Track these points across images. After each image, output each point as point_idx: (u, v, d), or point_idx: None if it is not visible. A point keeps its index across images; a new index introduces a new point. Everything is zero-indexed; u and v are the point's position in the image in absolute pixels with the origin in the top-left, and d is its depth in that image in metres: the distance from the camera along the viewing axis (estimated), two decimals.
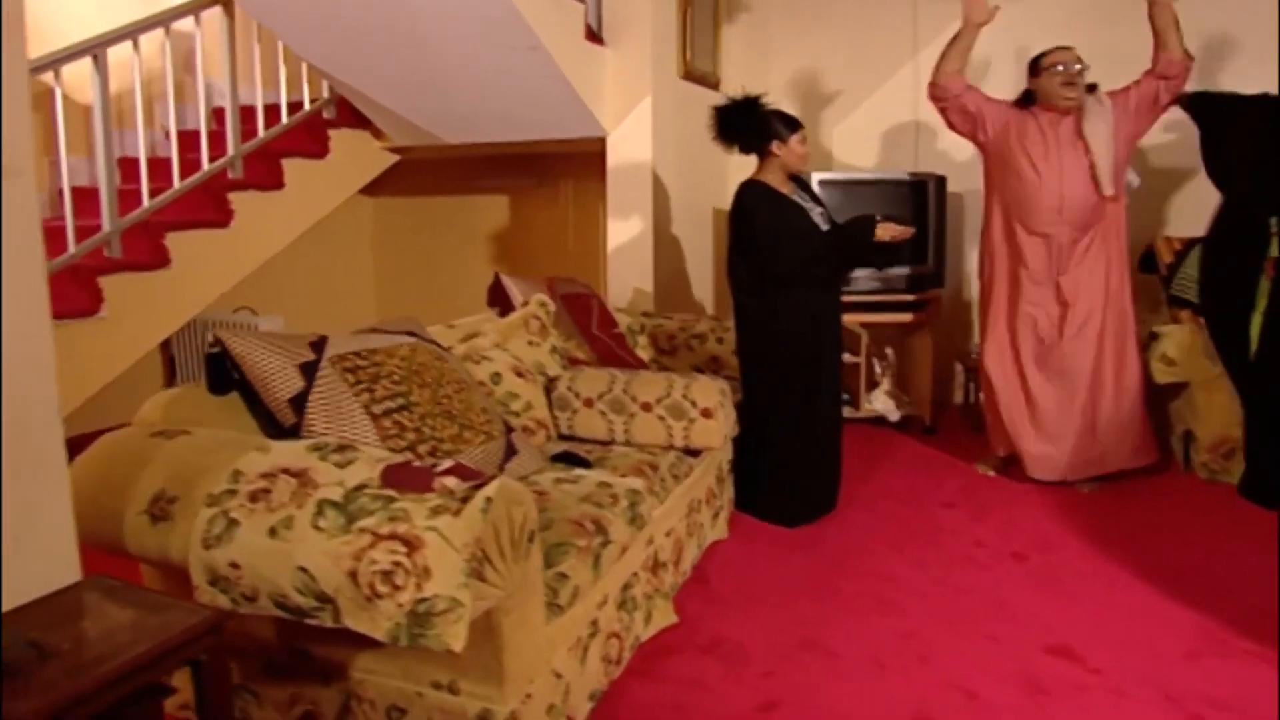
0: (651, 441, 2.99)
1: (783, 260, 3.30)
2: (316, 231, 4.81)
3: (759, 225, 3.31)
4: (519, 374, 3.01)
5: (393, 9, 3.78)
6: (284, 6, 3.90)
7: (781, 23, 5.66)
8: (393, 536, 1.64)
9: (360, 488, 1.77)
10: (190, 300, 3.92)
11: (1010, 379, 3.99)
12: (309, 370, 2.31)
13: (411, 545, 1.62)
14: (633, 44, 4.46)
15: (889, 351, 4.82)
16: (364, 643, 1.86)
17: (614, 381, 3.04)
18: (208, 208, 3.99)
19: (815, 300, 3.41)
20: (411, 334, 2.75)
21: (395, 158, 5.24)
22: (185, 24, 4.15)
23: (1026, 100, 3.87)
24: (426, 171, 5.89)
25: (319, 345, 2.39)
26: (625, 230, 4.58)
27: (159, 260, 3.72)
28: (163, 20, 3.93)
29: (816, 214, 3.44)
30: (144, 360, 4.04)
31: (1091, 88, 3.70)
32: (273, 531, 1.72)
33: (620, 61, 4.49)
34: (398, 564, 1.61)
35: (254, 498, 1.79)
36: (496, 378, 2.93)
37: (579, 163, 5.81)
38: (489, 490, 1.73)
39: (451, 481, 1.82)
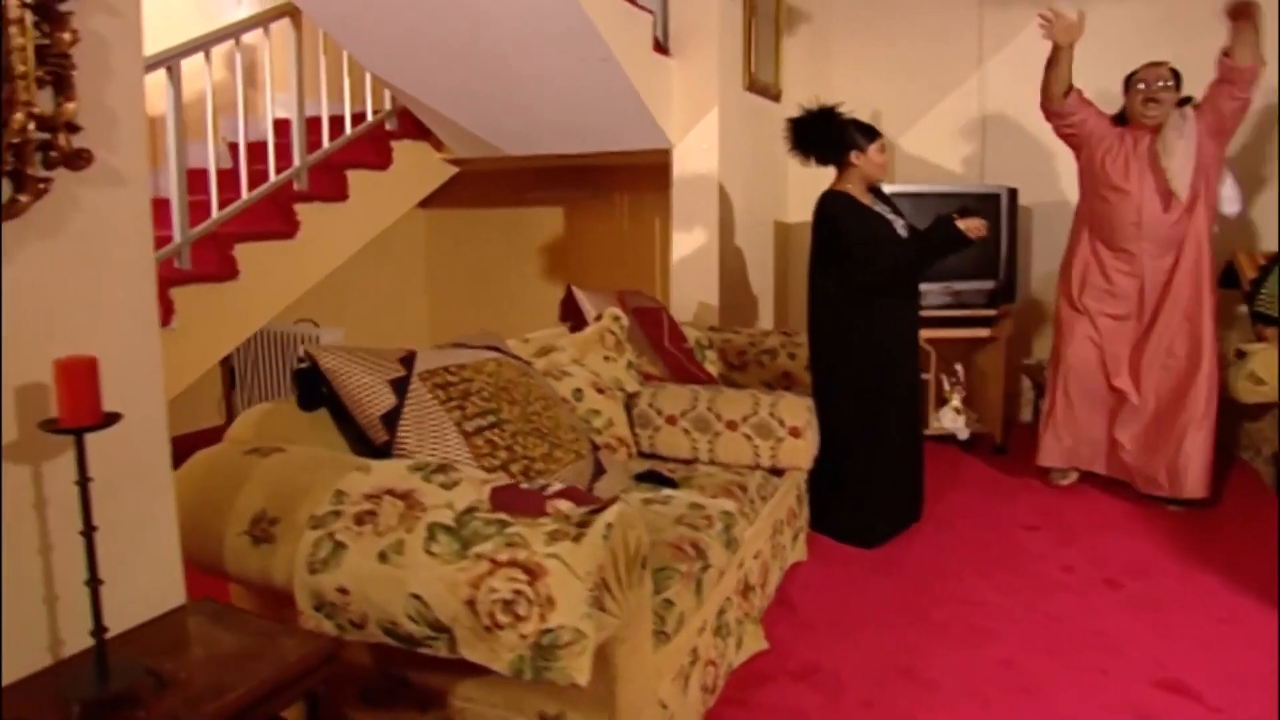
0: (736, 461, 2.91)
1: (871, 271, 3.22)
2: (370, 243, 4.78)
3: (846, 236, 3.24)
4: (599, 390, 2.95)
5: (461, 21, 3.74)
6: (352, 18, 3.87)
7: (842, 33, 5.58)
8: (512, 564, 1.57)
9: (471, 511, 1.70)
10: (258, 311, 3.89)
11: (1084, 392, 3.90)
12: (400, 386, 2.25)
13: (533, 573, 1.55)
14: (700, 55, 4.40)
15: (958, 368, 4.71)
16: (465, 669, 1.78)
17: (697, 399, 2.96)
18: (274, 219, 3.97)
19: (896, 311, 3.34)
20: (495, 349, 2.69)
21: (454, 169, 5.20)
22: (252, 36, 4.13)
23: (1121, 119, 3.81)
24: (480, 183, 5.85)
25: (408, 361, 2.34)
26: (689, 243, 4.51)
27: (228, 271, 3.69)
28: (233, 32, 3.92)
29: (899, 225, 3.36)
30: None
31: (1184, 102, 3.60)
32: (382, 556, 1.66)
33: (686, 73, 4.43)
34: (519, 593, 1.54)
35: (360, 520, 1.73)
36: (578, 394, 2.87)
37: (635, 175, 5.75)
38: (609, 516, 1.66)
39: (565, 505, 1.75)
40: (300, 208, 4.09)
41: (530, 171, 5.80)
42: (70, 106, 1.43)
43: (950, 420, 4.58)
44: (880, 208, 3.39)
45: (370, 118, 4.64)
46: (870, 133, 3.38)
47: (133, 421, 1.51)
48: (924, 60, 5.41)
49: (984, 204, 4.57)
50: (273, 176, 4.01)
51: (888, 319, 3.32)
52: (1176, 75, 3.67)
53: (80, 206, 1.47)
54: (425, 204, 5.86)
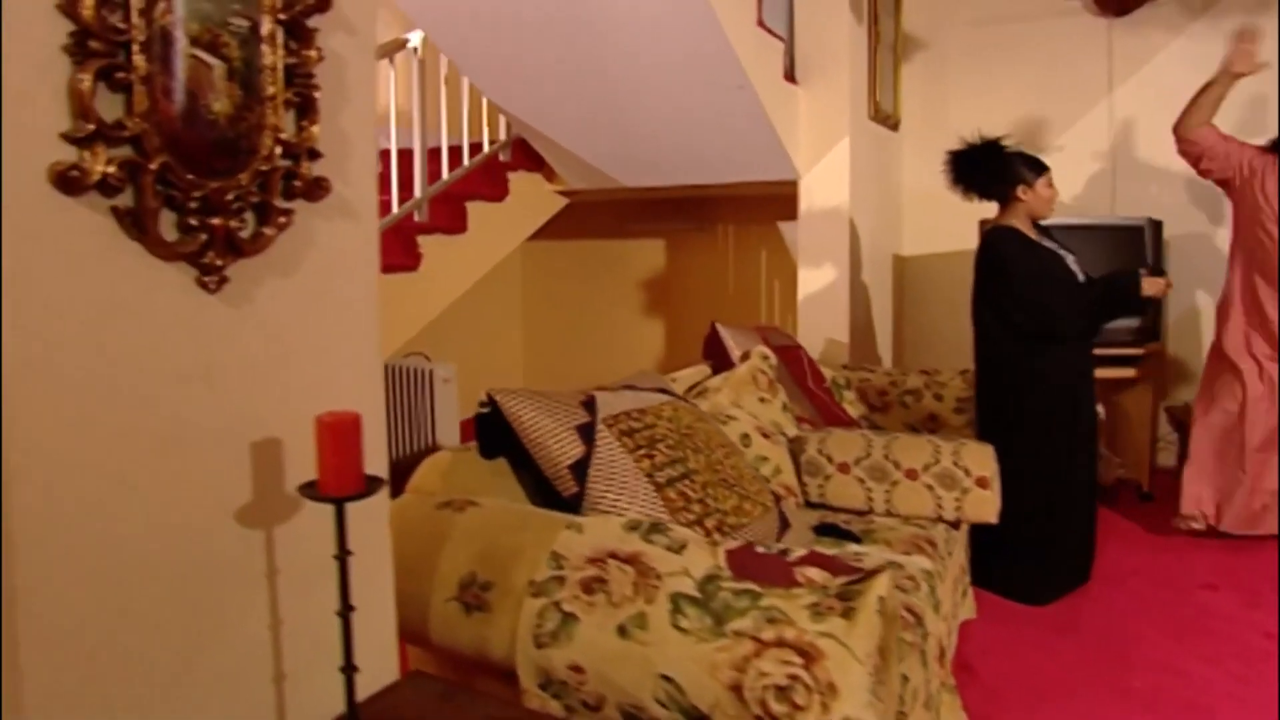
0: (916, 513, 2.70)
1: (1044, 312, 3.03)
2: None
3: (1017, 275, 3.04)
4: (764, 435, 2.76)
5: (593, 50, 3.63)
6: (479, 49, 3.78)
7: (961, 59, 5.38)
8: (780, 643, 1.39)
9: (712, 579, 1.52)
10: (385, 343, 3.76)
11: (1244, 443, 3.65)
12: (587, 433, 2.09)
13: (808, 656, 1.36)
14: (829, 83, 4.24)
15: (1099, 409, 4.45)
16: None
17: (871, 445, 2.76)
18: (398, 251, 3.86)
19: (1073, 353, 3.12)
20: (665, 391, 2.53)
21: (564, 201, 5.08)
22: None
23: (1277, 146, 3.58)
24: (581, 215, 5.73)
25: (590, 405, 2.18)
26: (818, 278, 4.33)
27: None
28: None
29: (1071, 260, 3.15)
30: None
31: None
32: (622, 631, 1.48)
33: (815, 101, 4.27)
34: (795, 678, 1.35)
35: (588, 588, 1.56)
36: (745, 439, 2.68)
37: (739, 206, 5.60)
38: (879, 588, 1.47)
39: (815, 573, 1.57)
40: (422, 239, 3.98)
41: (633, 203, 5.67)
42: (314, 130, 1.29)
43: None
44: (1048, 243, 3.18)
45: (486, 148, 4.54)
46: (1038, 166, 3.19)
47: None
48: (1048, 87, 5.18)
49: (1126, 237, 4.34)
50: (395, 208, 3.91)
51: (1066, 356, 3.11)
52: None
53: (315, 241, 1.33)
54: None
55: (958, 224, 5.39)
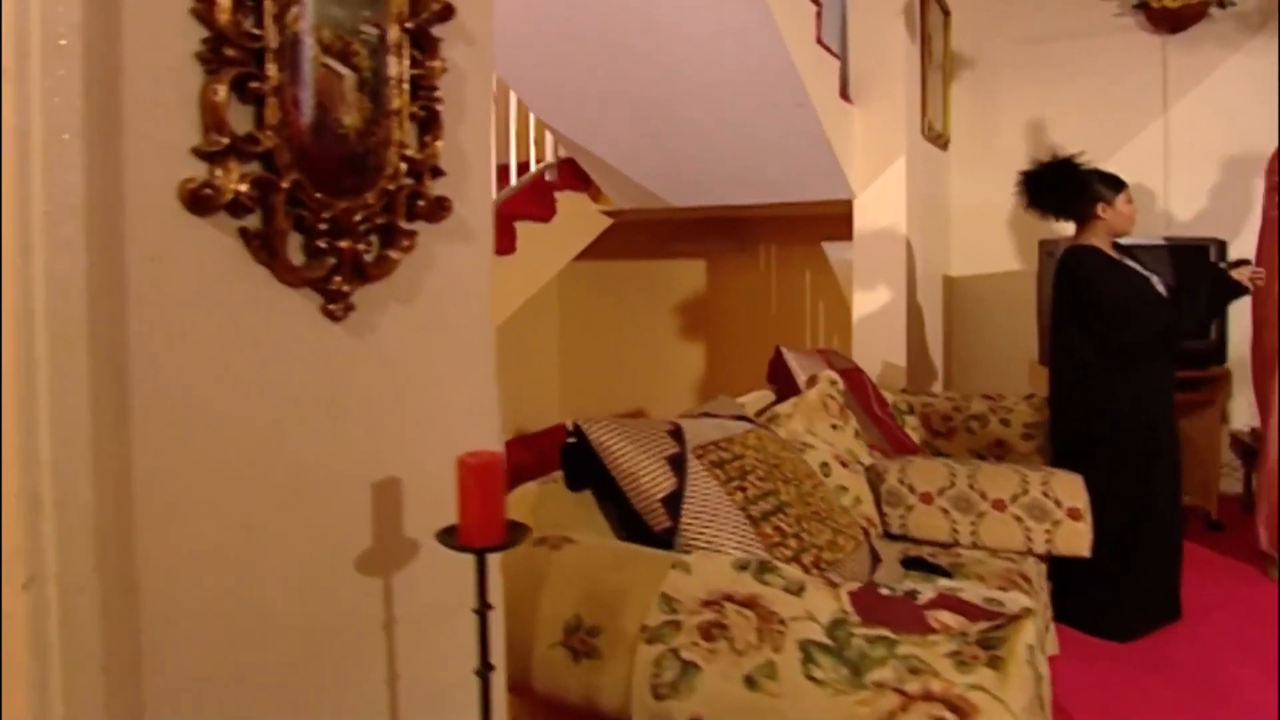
0: (1004, 546, 2.59)
1: (1134, 332, 2.92)
2: None
3: (1103, 295, 2.94)
4: (842, 464, 2.66)
5: (648, 70, 3.56)
6: (531, 67, 3.71)
7: (1009, 77, 5.29)
8: (928, 697, 1.28)
9: (840, 624, 1.42)
10: None
11: None
12: (678, 465, 2.00)
13: (960, 711, 1.26)
14: (885, 101, 4.16)
15: None
16: None
17: (954, 474, 2.65)
18: None
19: (1158, 370, 3.01)
20: (743, 418, 2.43)
21: (609, 221, 5.00)
22: None
23: None
24: (621, 235, 5.64)
25: (677, 434, 2.09)
26: (873, 300, 4.23)
27: None
28: None
29: (1156, 280, 3.05)
30: None
31: None
32: (750, 681, 1.38)
33: (870, 119, 4.18)
34: None
35: (707, 634, 1.46)
36: (825, 468, 2.58)
37: (781, 226, 5.52)
38: (1026, 635, 1.37)
39: (949, 618, 1.47)
40: None
41: (674, 223, 5.59)
42: (437, 146, 1.21)
43: None
44: (1130, 262, 3.08)
45: (534, 168, 4.46)
46: (1116, 183, 3.09)
47: None
48: (1100, 105, 5.09)
49: (1192, 257, 4.23)
50: None
51: (1150, 379, 3.00)
52: None
53: (435, 265, 1.25)
54: None
55: (1006, 244, 5.32)
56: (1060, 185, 3.12)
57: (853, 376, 3.46)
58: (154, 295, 0.91)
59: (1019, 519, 2.57)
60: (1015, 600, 2.17)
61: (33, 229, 0.81)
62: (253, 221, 1.00)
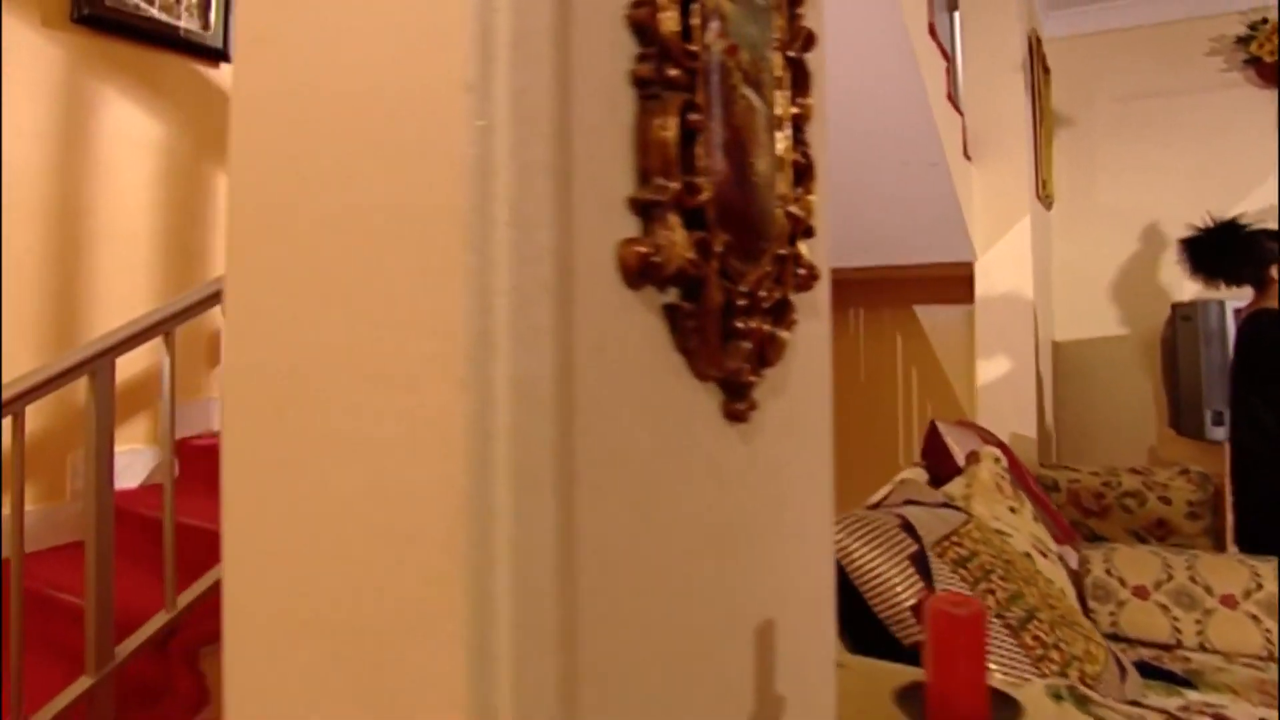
0: (1239, 649, 2.31)
1: None
2: None
3: None
4: (1042, 554, 2.39)
5: None
6: None
7: (1109, 135, 5.09)
8: None
9: None
10: None
11: None
12: (922, 566, 1.73)
13: None
14: (1005, 160, 3.97)
15: None
16: None
17: (1170, 565, 2.39)
18: None
19: None
20: (952, 506, 2.17)
21: None
22: None
23: None
24: None
25: (910, 529, 1.83)
26: (996, 367, 3.98)
27: None
28: None
29: None
30: None
31: None
32: None
33: (988, 179, 3.98)
34: None
35: None
36: (1029, 559, 2.31)
37: (867, 289, 5.30)
38: None
39: None
40: None
41: None
42: (811, 201, 0.97)
43: None
44: None
45: None
46: None
47: (802, 660, 1.01)
48: (1208, 162, 4.88)
49: None
50: None
51: None
52: None
53: (797, 348, 1.00)
54: None
55: (1109, 307, 5.08)
56: (1226, 249, 2.91)
57: (1004, 452, 3.21)
58: (593, 401, 0.66)
59: (1255, 618, 2.29)
60: None
61: (494, 315, 0.57)
62: (673, 295, 0.76)
